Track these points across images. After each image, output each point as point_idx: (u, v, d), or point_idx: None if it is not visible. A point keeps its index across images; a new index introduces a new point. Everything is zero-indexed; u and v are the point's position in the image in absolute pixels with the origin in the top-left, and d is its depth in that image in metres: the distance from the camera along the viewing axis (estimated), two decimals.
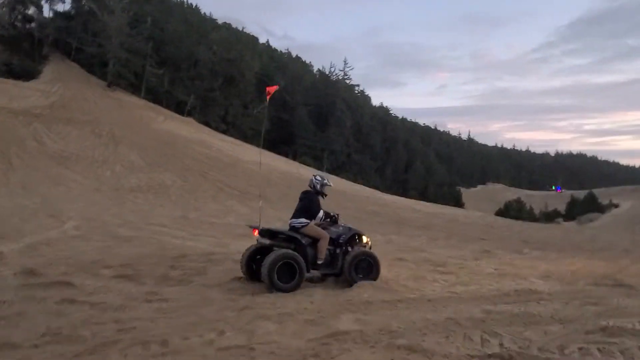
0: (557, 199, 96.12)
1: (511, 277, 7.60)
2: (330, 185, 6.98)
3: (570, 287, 6.96)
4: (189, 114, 48.29)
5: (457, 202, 78.36)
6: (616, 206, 71.71)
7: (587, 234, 21.68)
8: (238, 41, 55.39)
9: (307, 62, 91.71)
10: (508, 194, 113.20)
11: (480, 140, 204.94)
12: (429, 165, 79.90)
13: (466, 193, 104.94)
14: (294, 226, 6.51)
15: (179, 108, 49.24)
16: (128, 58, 44.77)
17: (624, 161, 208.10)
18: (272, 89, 7.16)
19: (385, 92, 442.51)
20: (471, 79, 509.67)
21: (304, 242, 6.36)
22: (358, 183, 56.20)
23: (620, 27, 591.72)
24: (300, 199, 6.78)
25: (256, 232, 6.42)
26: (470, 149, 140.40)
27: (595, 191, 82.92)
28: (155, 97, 48.64)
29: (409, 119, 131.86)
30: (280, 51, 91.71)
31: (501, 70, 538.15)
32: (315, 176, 7.08)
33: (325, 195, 6.89)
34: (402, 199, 34.78)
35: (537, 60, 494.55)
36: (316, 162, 61.05)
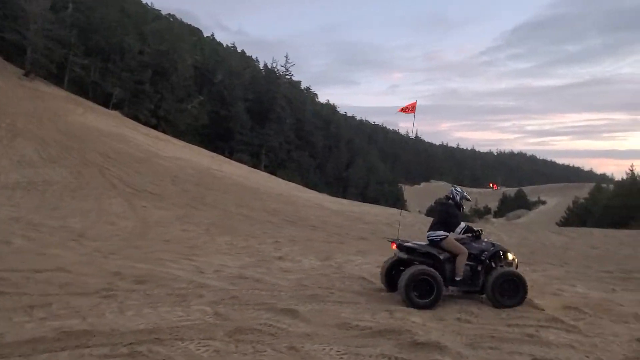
0: (493, 196, 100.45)
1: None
2: (469, 200, 6.78)
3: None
4: (117, 107, 46.15)
5: (398, 200, 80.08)
6: (543, 203, 75.76)
7: (517, 233, 22.32)
8: (171, 32, 53.38)
9: (254, 57, 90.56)
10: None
11: (429, 139, 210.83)
12: (371, 163, 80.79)
13: (409, 190, 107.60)
14: (431, 239, 6.30)
15: (107, 101, 47.00)
16: (49, 46, 42.09)
17: (560, 160, 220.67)
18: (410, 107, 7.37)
19: (340, 90, 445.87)
20: (423, 80, 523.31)
21: (441, 257, 6.15)
22: (294, 181, 55.98)
23: (561, 34, 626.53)
24: (438, 211, 6.66)
25: (394, 246, 6.35)
26: (417, 147, 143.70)
27: (526, 189, 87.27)
28: (81, 88, 46.17)
29: (359, 118, 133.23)
30: (227, 45, 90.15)
31: (452, 72, 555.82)
32: (455, 187, 6.86)
33: (463, 208, 6.75)
34: (325, 197, 34.66)
35: (484, 63, 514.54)
36: (254, 159, 60.27)
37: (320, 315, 5.15)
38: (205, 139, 56.51)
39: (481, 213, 63.43)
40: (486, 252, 6.26)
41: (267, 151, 64.11)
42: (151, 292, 5.65)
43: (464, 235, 6.45)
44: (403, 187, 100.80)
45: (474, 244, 6.37)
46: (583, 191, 60.00)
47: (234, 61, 71.68)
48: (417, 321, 5.12)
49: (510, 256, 6.46)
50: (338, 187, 72.82)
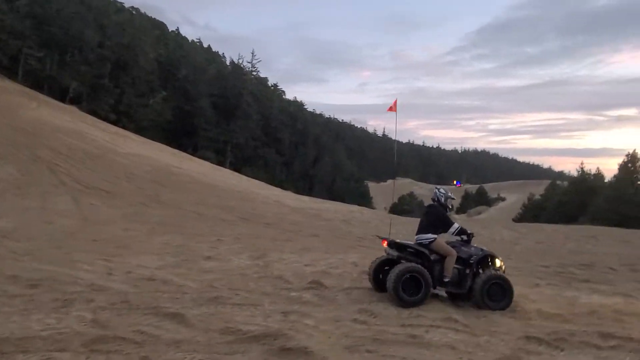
0: (456, 192, 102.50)
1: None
2: (453, 199, 6.86)
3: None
4: (74, 102, 44.71)
5: (364, 196, 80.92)
6: (503, 199, 78.29)
7: (472, 229, 22.88)
8: (132, 26, 52.07)
9: (221, 53, 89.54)
10: (415, 187, 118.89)
11: (396, 137, 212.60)
12: (338, 160, 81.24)
13: (376, 187, 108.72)
14: (420, 242, 6.38)
15: (64, 95, 45.45)
16: (1, 37, 40.36)
17: (521, 158, 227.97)
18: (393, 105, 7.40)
19: (310, 88, 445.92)
20: (391, 78, 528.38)
21: (432, 257, 6.25)
22: (260, 178, 55.72)
23: (522, 36, 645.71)
24: (425, 213, 6.63)
25: (385, 243, 6.39)
26: (384, 145, 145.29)
27: (487, 186, 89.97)
28: (36, 82, 44.45)
29: (328, 115, 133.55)
30: (193, 40, 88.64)
31: (418, 71, 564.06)
32: (438, 189, 6.85)
33: (450, 208, 6.77)
34: (288, 194, 34.66)
35: (450, 63, 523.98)
36: (219, 155, 59.62)
37: (208, 319, 4.93)
38: (170, 136, 55.44)
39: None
40: (474, 256, 6.35)
41: (233, 148, 63.54)
42: (37, 298, 5.26)
43: (455, 239, 6.57)
44: (369, 184, 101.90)
45: (463, 248, 6.48)
46: (540, 188, 62.28)
47: (199, 56, 70.66)
48: (310, 323, 5.03)
49: (498, 262, 6.55)
50: (305, 184, 72.96)
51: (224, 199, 19.99)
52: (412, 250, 6.27)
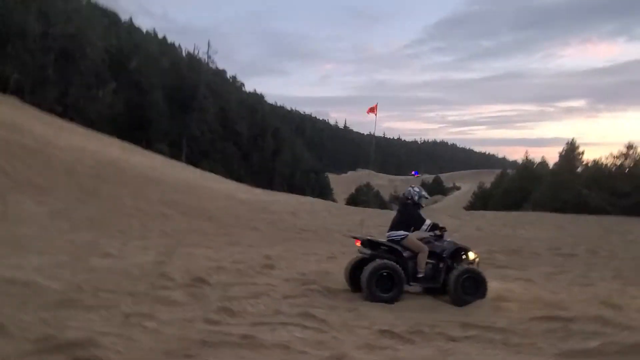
0: (414, 182, 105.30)
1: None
2: (427, 198, 6.88)
3: None
4: (16, 94, 42.45)
5: (324, 188, 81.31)
6: (458, 188, 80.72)
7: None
8: (79, 14, 49.88)
9: (177, 44, 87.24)
10: (375, 178, 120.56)
11: (358, 129, 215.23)
12: (297, 152, 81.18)
13: (336, 178, 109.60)
14: (392, 239, 6.46)
15: (5, 86, 43.09)
16: None
17: (477, 148, 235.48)
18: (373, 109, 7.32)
19: (272, 80, 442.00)
20: (353, 71, 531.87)
21: (405, 254, 6.31)
22: (216, 172, 54.92)
23: (477, 29, 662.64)
24: (399, 211, 6.69)
25: (358, 243, 6.42)
26: (345, 137, 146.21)
27: (443, 175, 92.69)
28: None
29: (290, 108, 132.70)
30: (147, 31, 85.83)
31: (379, 64, 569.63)
32: (412, 187, 6.92)
33: (423, 207, 6.80)
34: (241, 187, 34.36)
35: (410, 56, 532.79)
36: (173, 149, 58.30)
37: (32, 326, 4.39)
38: (122, 129, 53.63)
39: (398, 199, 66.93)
40: (447, 250, 6.50)
41: (189, 141, 62.32)
42: None
43: (428, 234, 6.65)
44: (330, 175, 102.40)
45: (436, 242, 6.61)
46: (493, 177, 64.42)
47: (153, 47, 68.55)
48: (149, 326, 4.71)
49: (471, 255, 6.69)
50: (264, 177, 72.58)
51: (169, 193, 19.60)
52: (385, 247, 6.36)
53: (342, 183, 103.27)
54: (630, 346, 4.07)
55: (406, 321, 5.22)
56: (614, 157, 28.79)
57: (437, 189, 72.77)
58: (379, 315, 5.52)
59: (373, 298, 5.85)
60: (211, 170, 56.71)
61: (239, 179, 63.27)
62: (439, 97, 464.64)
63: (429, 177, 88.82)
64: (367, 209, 31.23)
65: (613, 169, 26.82)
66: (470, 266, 6.43)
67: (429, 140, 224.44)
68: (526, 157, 38.55)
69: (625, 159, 27.90)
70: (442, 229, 6.70)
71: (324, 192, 79.38)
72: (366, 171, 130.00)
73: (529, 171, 34.99)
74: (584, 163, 31.26)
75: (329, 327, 4.97)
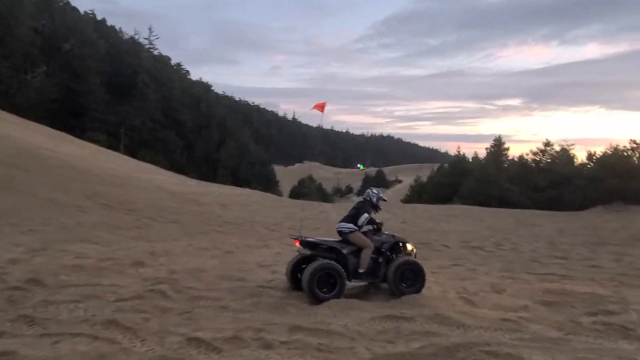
0: (359, 175, 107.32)
1: None
2: (385, 200, 6.96)
3: None
4: None
5: (269, 180, 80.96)
6: (400, 182, 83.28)
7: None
8: None
9: (118, 27, 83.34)
10: (321, 171, 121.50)
11: (307, 121, 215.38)
12: (243, 143, 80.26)
13: (283, 171, 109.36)
14: (340, 230, 6.47)
15: None
16: None
17: (422, 143, 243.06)
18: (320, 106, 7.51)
19: (222, 70, 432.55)
20: (304, 63, 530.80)
21: (344, 251, 6.24)
22: (157, 162, 53.38)
23: (424, 27, 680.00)
24: (354, 207, 6.72)
25: (298, 243, 6.30)
26: (293, 129, 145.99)
27: (387, 169, 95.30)
28: None
29: (239, 98, 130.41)
30: (85, 12, 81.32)
31: (330, 57, 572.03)
32: (371, 189, 6.99)
33: (380, 209, 6.85)
34: (177, 178, 33.70)
35: (359, 51, 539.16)
36: (112, 138, 56.05)
37: None
38: (55, 116, 50.87)
39: (343, 192, 67.61)
40: (386, 244, 6.48)
41: (128, 130, 60.05)
42: None
43: (366, 228, 6.56)
44: (277, 167, 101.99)
45: (375, 236, 6.54)
46: (434, 171, 66.89)
47: (90, 29, 65.17)
48: None
49: (409, 247, 6.73)
50: (208, 168, 71.25)
51: (92, 184, 18.93)
52: (324, 246, 6.25)
53: (289, 175, 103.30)
54: (445, 348, 4.05)
55: (240, 324, 4.88)
56: (533, 153, 31.03)
57: (379, 182, 74.88)
58: (213, 318, 5.16)
59: (315, 299, 5.72)
60: (151, 161, 55.05)
61: (180, 170, 61.74)
62: (386, 92, 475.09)
63: (373, 170, 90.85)
64: (307, 201, 31.63)
65: (532, 165, 28.84)
66: (410, 258, 6.48)
67: (376, 134, 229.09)
68: (458, 151, 40.59)
69: (543, 155, 30.06)
70: (380, 224, 6.70)
71: (269, 184, 78.97)
72: (314, 163, 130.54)
73: (460, 166, 36.78)
74: (509, 159, 33.54)
75: (134, 336, 4.49)
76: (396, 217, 22.10)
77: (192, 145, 72.74)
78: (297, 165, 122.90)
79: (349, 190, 73.77)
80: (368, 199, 6.76)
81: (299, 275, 6.33)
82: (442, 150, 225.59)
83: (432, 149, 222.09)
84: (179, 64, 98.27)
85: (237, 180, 72.85)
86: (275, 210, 20.66)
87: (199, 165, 70.25)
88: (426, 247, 12.39)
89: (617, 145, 25.11)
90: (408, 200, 42.77)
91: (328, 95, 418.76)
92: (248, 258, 9.29)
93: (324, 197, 52.47)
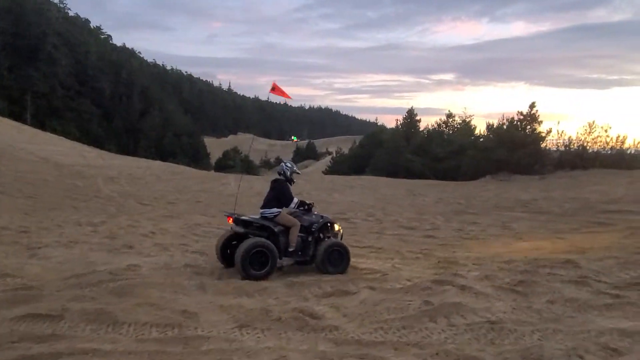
0: (292, 147, 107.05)
1: None
2: (299, 173, 7.05)
3: None
4: None
5: (197, 152, 78.58)
6: (330, 154, 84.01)
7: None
8: None
9: None
10: (255, 143, 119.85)
11: (244, 92, 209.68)
12: (169, 114, 76.87)
13: (215, 142, 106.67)
14: (265, 216, 6.43)
15: None
16: None
17: (360, 116, 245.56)
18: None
19: (154, 36, 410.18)
20: (242, 32, 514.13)
21: (276, 230, 6.33)
22: (68, 132, 50.00)
23: None
24: (271, 188, 6.62)
25: (231, 220, 6.34)
26: (229, 100, 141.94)
27: (318, 141, 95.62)
28: None
29: (171, 67, 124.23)
30: None
31: (269, 26, 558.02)
32: (285, 163, 6.94)
33: (294, 182, 6.84)
34: (78, 149, 31.61)
35: (298, 20, 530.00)
36: (15, 105, 51.51)
37: None
38: None
39: (271, 164, 67.19)
40: (316, 224, 6.56)
41: (35, 97, 55.40)
42: None
43: (296, 209, 6.66)
44: (208, 139, 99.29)
45: (305, 216, 6.63)
46: (355, 143, 67.52)
47: None
48: None
49: (336, 227, 6.89)
50: (129, 140, 67.75)
51: None
52: (257, 225, 6.33)
53: (222, 147, 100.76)
54: None
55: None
56: (437, 125, 31.98)
57: (310, 154, 74.92)
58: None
59: (248, 275, 5.83)
60: (62, 132, 51.39)
61: (96, 141, 58.20)
62: (326, 64, 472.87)
63: (305, 143, 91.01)
64: (212, 173, 30.80)
65: (435, 136, 29.72)
66: (337, 240, 6.70)
67: (315, 107, 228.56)
68: (377, 123, 40.89)
69: (446, 127, 31.08)
70: (310, 205, 6.82)
71: (198, 156, 76.61)
72: (248, 135, 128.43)
73: (376, 137, 37.27)
74: (421, 130, 34.32)
75: None
76: (304, 185, 22.09)
77: (112, 115, 68.63)
78: (230, 137, 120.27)
79: (278, 162, 73.50)
80: (282, 172, 6.79)
81: (228, 251, 6.46)
82: (379, 123, 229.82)
83: (369, 122, 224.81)
84: (98, 27, 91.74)
85: (162, 152, 69.97)
86: (167, 184, 19.85)
87: (118, 136, 66.64)
88: None
89: (510, 117, 26.36)
90: (330, 171, 43.03)
91: (267, 66, 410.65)
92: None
93: (249, 169, 51.65)
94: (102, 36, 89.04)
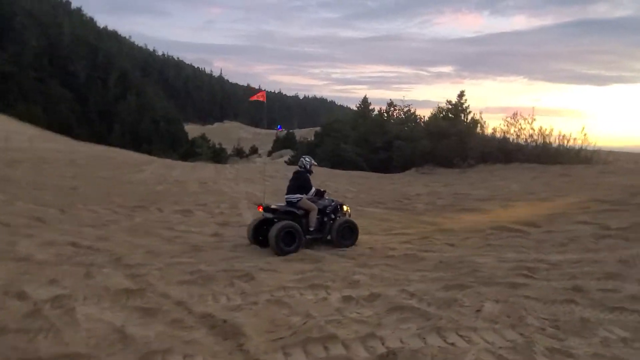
0: (270, 136, 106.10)
1: None
2: (316, 165, 8.24)
3: None
4: None
5: (176, 139, 77.48)
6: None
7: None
8: None
9: None
10: (241, 131, 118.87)
11: (240, 80, 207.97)
12: (147, 99, 75.69)
13: (200, 130, 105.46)
14: (290, 200, 7.71)
15: None
16: None
17: (355, 107, 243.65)
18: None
19: (153, 21, 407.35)
20: (241, 18, 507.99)
21: (299, 213, 7.58)
22: (34, 117, 49.14)
23: None
24: (294, 178, 7.84)
25: (261, 208, 7.61)
26: (216, 87, 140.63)
27: (304, 130, 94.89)
28: None
29: (163, 53, 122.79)
30: None
31: (268, 14, 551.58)
32: (304, 157, 8.13)
33: (312, 172, 8.06)
34: (38, 134, 30.77)
35: (297, 9, 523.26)
36: None
37: None
38: None
39: (246, 154, 66.51)
40: (329, 207, 7.89)
41: (2, 79, 54.42)
42: None
43: (313, 197, 7.88)
44: (192, 126, 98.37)
45: (320, 201, 7.91)
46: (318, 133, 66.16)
47: None
48: None
49: (345, 208, 8.25)
50: (102, 125, 66.69)
51: None
52: (283, 211, 7.55)
53: (208, 134, 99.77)
54: None
55: None
56: (381, 114, 30.90)
57: (287, 144, 74.17)
58: None
59: (281, 251, 6.97)
60: (28, 116, 50.52)
61: (67, 125, 57.37)
62: (324, 53, 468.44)
63: (289, 133, 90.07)
64: (153, 158, 29.95)
65: (373, 127, 28.57)
66: (347, 217, 8.05)
67: (310, 97, 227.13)
68: (358, 107, 39.68)
69: (389, 116, 30.04)
70: (324, 192, 8.17)
71: (177, 143, 75.55)
72: (234, 123, 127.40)
73: (333, 126, 36.20)
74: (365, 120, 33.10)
75: None
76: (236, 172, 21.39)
77: (86, 99, 67.58)
78: (216, 124, 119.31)
79: (254, 151, 72.40)
80: (302, 167, 7.94)
81: (260, 235, 7.57)
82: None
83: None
84: (79, 9, 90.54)
85: (137, 139, 68.92)
86: (76, 169, 19.10)
87: (92, 121, 65.69)
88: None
89: (438, 106, 25.26)
90: (292, 162, 41.94)
91: (265, 54, 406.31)
92: None
93: (216, 158, 50.79)
94: (83, 18, 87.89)
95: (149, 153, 55.79)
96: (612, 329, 3.69)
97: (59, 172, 17.99)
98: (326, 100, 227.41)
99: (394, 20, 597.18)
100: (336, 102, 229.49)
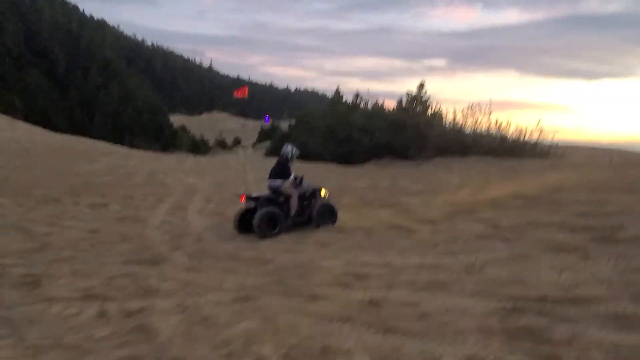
0: (257, 128, 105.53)
1: None
2: (299, 151, 8.68)
3: None
4: None
5: (160, 129, 76.55)
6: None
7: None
8: None
9: None
10: (229, 122, 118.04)
11: (228, 70, 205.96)
12: (131, 88, 74.70)
13: (187, 120, 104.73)
14: (271, 186, 8.21)
15: None
16: None
17: (348, 99, 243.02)
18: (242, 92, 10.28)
19: (139, 9, 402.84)
20: (234, 8, 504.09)
21: (280, 200, 8.15)
22: (11, 106, 48.25)
23: None
24: (277, 163, 8.32)
25: (243, 198, 8.17)
26: (204, 77, 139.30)
27: (286, 121, 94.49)
28: None
29: (151, 42, 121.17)
30: None
31: (261, 4, 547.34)
32: (287, 145, 8.56)
33: (292, 161, 8.42)
34: (12, 125, 30.04)
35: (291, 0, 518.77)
36: None
37: None
38: None
39: (228, 145, 66.11)
40: (308, 192, 8.41)
41: None
42: None
43: (293, 182, 8.32)
44: (179, 117, 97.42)
45: (299, 187, 8.33)
46: None
47: None
48: None
49: (323, 191, 8.70)
50: (82, 115, 65.74)
51: None
52: (264, 198, 8.01)
53: (194, 126, 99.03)
54: None
55: None
56: (348, 107, 30.51)
57: (270, 134, 73.81)
58: None
59: (264, 235, 7.54)
60: (3, 104, 49.69)
61: (45, 115, 56.47)
62: (318, 45, 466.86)
63: (277, 123, 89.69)
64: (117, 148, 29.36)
65: (339, 118, 27.99)
66: (325, 200, 8.58)
67: (301, 89, 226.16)
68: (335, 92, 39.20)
69: (355, 109, 29.52)
70: (301, 178, 8.46)
71: (161, 134, 74.58)
72: (223, 114, 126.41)
73: (305, 118, 35.94)
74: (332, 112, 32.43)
75: None
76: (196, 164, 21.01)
77: (66, 88, 66.52)
78: (204, 115, 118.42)
79: (237, 142, 71.88)
80: (284, 154, 8.31)
81: (243, 222, 8.05)
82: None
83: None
84: None
85: (119, 129, 68.01)
86: (43, 159, 18.70)
87: (71, 110, 64.70)
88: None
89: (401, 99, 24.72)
90: (271, 153, 41.53)
91: (258, 45, 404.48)
92: None
93: (195, 149, 50.31)
94: (67, 6, 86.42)
95: (131, 144, 55.16)
96: None
97: (1, 162, 17.54)
98: (317, 92, 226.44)
99: (388, 12, 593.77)
100: (327, 95, 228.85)
